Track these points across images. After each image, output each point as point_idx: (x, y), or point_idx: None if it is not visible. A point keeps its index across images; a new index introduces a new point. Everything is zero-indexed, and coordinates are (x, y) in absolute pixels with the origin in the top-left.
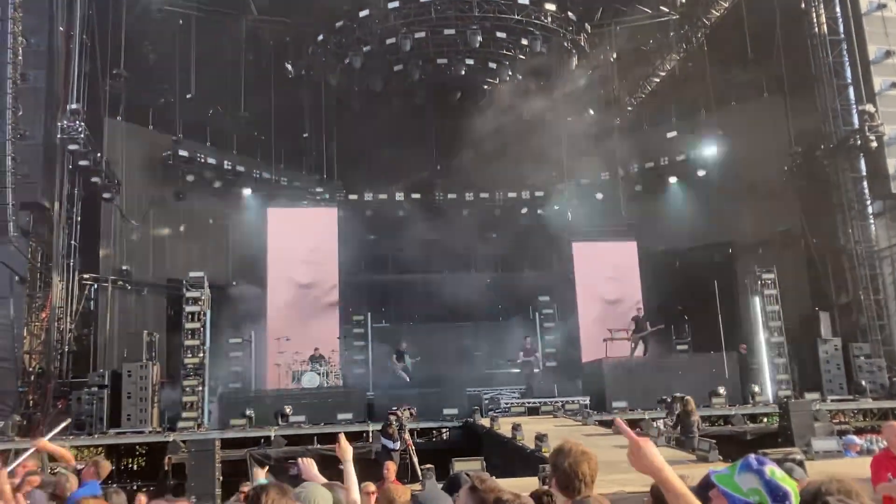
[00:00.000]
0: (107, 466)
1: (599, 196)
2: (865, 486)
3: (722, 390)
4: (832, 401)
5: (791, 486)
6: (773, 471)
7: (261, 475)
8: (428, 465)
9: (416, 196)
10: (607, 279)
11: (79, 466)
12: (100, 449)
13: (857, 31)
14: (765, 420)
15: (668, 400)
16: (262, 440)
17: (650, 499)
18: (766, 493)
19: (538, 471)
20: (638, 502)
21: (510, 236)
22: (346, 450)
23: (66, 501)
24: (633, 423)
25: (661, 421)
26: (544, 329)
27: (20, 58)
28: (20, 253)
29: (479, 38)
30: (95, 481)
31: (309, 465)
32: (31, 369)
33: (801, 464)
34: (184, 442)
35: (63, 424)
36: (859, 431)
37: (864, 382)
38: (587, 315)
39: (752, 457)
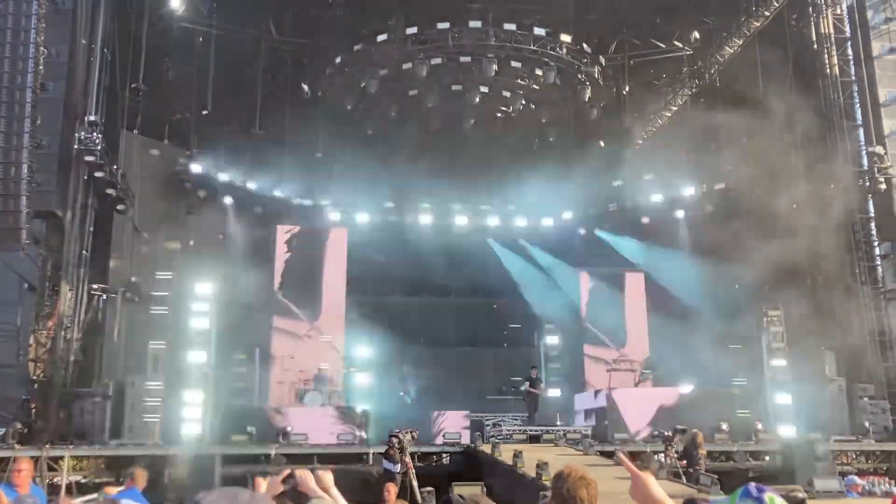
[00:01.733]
0: (143, 475)
1: (607, 227)
2: None
3: (725, 426)
4: (835, 441)
5: None
6: (772, 498)
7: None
8: (428, 489)
9: (426, 220)
10: (613, 311)
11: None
12: (100, 460)
13: (868, 74)
14: (767, 458)
15: (668, 433)
16: (263, 457)
17: None
18: None
19: (538, 498)
20: None
21: (519, 263)
22: (323, 478)
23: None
24: (633, 456)
25: (663, 454)
26: (549, 358)
27: (41, 68)
28: (31, 260)
29: (495, 67)
30: (135, 488)
31: (306, 478)
32: (35, 377)
33: (803, 502)
34: (184, 456)
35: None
36: (861, 473)
37: (867, 424)
38: (592, 344)
39: (751, 485)
